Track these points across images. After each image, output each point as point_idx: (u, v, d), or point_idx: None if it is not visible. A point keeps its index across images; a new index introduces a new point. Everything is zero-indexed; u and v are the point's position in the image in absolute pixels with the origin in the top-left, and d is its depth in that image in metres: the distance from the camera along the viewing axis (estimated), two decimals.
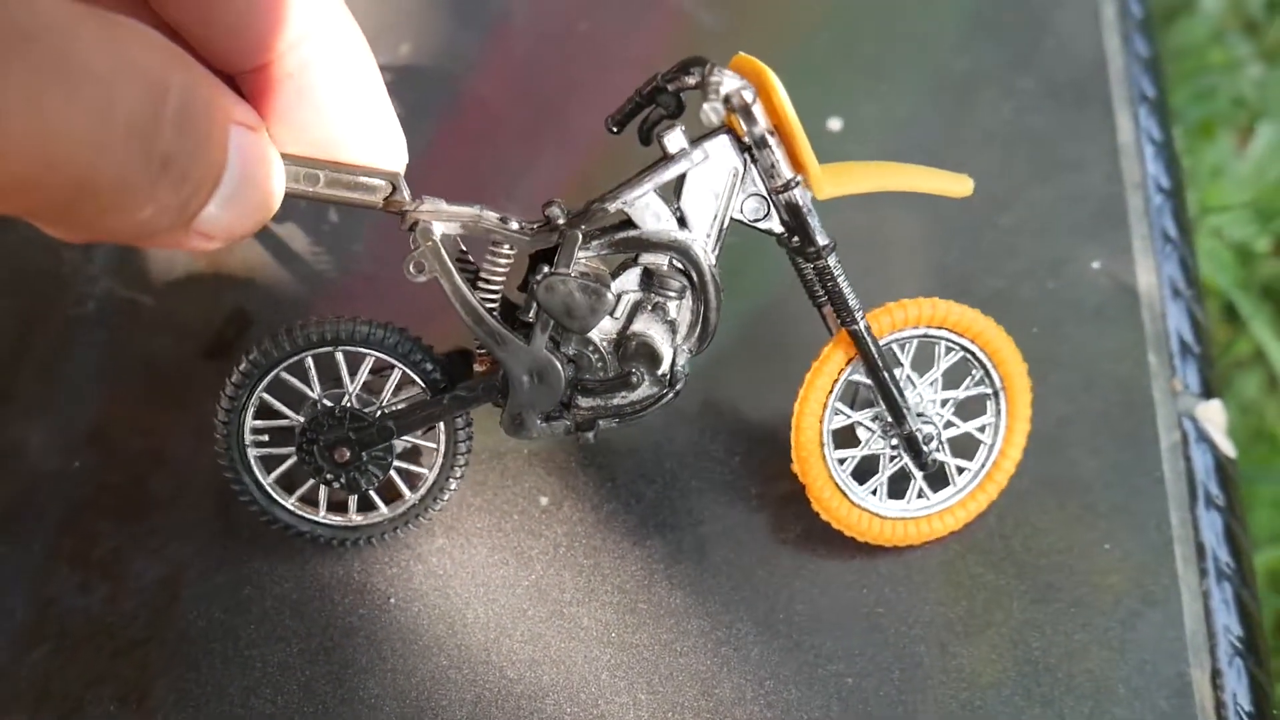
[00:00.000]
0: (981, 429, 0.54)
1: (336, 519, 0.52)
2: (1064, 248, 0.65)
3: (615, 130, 0.50)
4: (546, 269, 0.46)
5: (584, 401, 0.49)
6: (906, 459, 0.53)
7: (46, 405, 0.59)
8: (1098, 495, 0.56)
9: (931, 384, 0.53)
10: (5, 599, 0.53)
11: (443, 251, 0.46)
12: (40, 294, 0.63)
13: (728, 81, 0.45)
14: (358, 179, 0.42)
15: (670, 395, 0.49)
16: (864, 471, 0.53)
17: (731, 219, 0.48)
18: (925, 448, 0.52)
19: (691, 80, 0.46)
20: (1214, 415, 0.60)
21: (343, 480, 0.50)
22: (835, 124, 0.69)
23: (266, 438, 0.51)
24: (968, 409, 0.54)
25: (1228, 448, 0.60)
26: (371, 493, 0.52)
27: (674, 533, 0.55)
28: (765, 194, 0.48)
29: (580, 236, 0.46)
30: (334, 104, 0.40)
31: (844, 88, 0.71)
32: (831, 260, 0.48)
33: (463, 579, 0.54)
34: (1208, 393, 0.61)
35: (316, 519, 0.52)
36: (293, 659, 0.51)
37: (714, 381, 0.59)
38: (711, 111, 0.45)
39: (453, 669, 0.51)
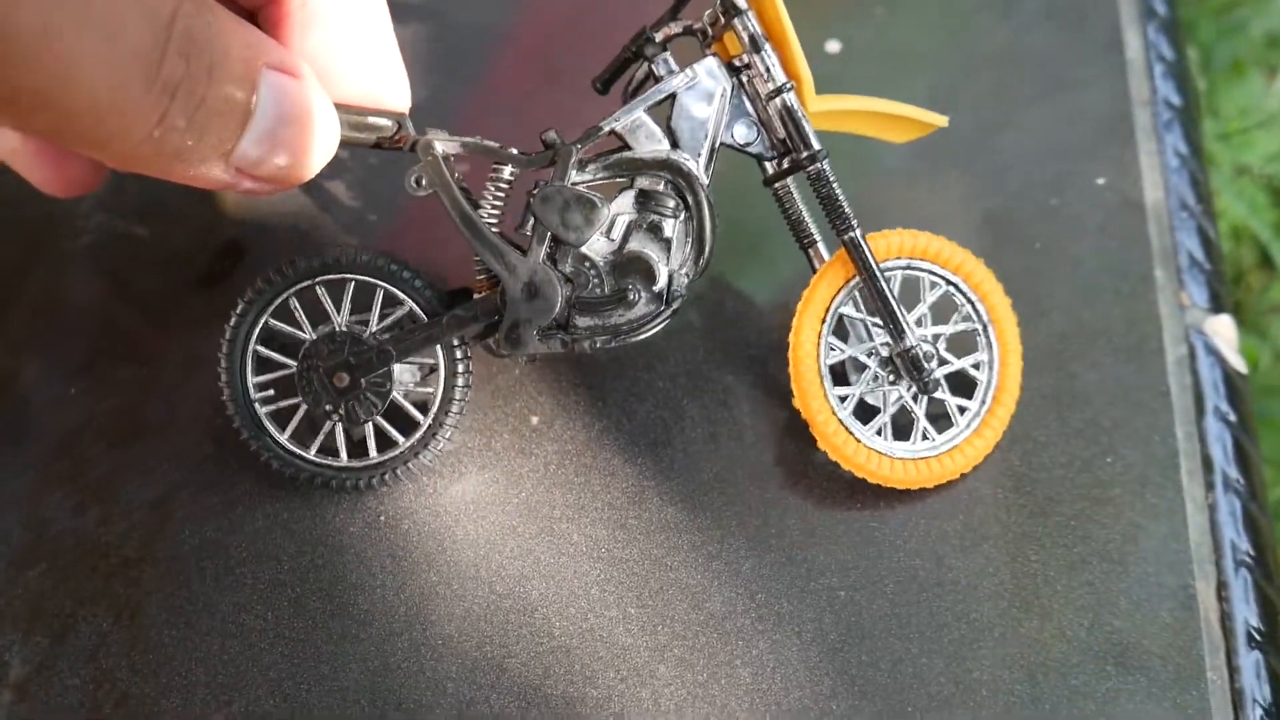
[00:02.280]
0: (976, 365, 0.53)
1: (336, 461, 0.52)
2: (1067, 165, 0.63)
3: (601, 89, 0.51)
4: (543, 183, 0.47)
5: (581, 320, 0.49)
6: (908, 389, 0.52)
7: (42, 335, 0.59)
8: (1100, 409, 0.55)
9: (919, 319, 0.52)
10: (1, 521, 0.53)
11: (443, 165, 0.47)
12: (36, 229, 0.63)
13: None
14: (367, 120, 0.43)
15: (667, 314, 0.49)
16: (862, 413, 0.52)
17: (723, 143, 0.48)
18: (927, 364, 0.51)
19: (679, 27, 0.48)
20: (1224, 330, 0.59)
21: (342, 411, 0.50)
22: (833, 46, 0.67)
23: (272, 391, 0.52)
24: (958, 345, 0.53)
25: (1237, 362, 0.58)
26: (372, 431, 0.51)
27: (665, 450, 0.54)
28: (754, 113, 0.48)
29: (574, 154, 0.47)
30: (341, 36, 0.41)
31: (842, 10, 0.69)
32: (826, 164, 0.49)
33: (452, 497, 0.53)
34: (1217, 308, 0.60)
35: (320, 460, 0.52)
36: (283, 575, 0.51)
37: (708, 306, 0.58)
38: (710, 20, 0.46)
39: (441, 584, 0.51)
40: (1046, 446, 0.54)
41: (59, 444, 0.56)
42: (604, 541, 0.52)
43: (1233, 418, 0.56)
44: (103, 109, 0.30)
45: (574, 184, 0.47)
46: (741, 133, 0.49)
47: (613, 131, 0.48)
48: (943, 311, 0.53)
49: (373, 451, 0.51)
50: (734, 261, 0.58)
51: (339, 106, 0.41)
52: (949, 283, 0.52)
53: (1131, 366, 0.56)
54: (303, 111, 0.36)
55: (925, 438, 0.52)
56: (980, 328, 0.53)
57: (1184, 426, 0.55)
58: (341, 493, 0.53)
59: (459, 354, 0.50)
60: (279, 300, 0.50)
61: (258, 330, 0.51)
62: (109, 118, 0.30)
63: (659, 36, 0.48)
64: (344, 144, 0.42)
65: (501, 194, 0.49)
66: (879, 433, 0.52)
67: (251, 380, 0.51)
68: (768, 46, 0.47)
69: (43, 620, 0.51)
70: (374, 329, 0.50)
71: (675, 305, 0.49)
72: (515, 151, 0.48)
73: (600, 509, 0.53)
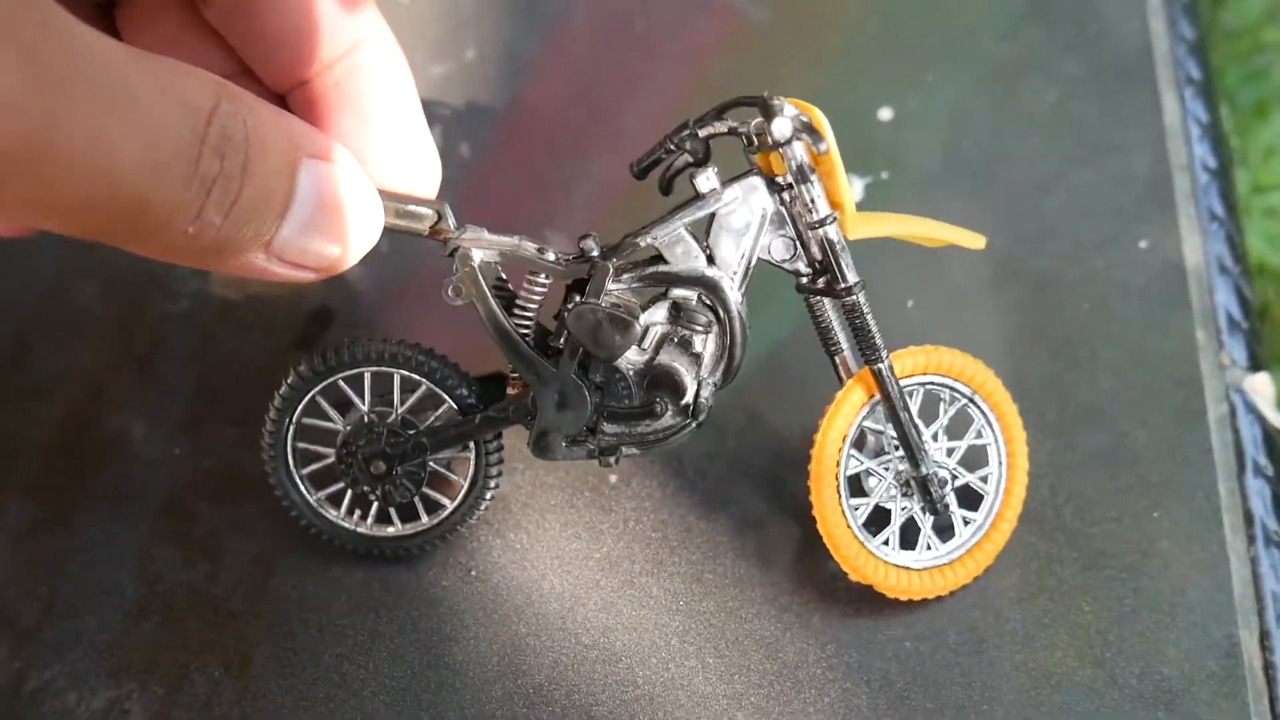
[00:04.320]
0: (984, 479, 0.55)
1: (370, 529, 0.56)
2: (1110, 229, 0.67)
3: (639, 176, 0.51)
4: (578, 298, 0.48)
5: (609, 428, 0.50)
6: (918, 503, 0.54)
7: (147, 397, 0.63)
8: (1147, 466, 0.58)
9: (935, 434, 0.54)
10: (116, 575, 0.57)
11: (479, 277, 0.48)
12: (136, 295, 0.67)
13: (789, 109, 0.46)
14: (408, 207, 0.44)
15: (693, 426, 0.50)
16: (872, 522, 0.54)
17: (759, 259, 0.49)
18: (940, 490, 0.53)
19: (724, 127, 0.48)
20: (1262, 388, 0.62)
21: (378, 493, 0.54)
22: (886, 114, 0.71)
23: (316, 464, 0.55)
24: (968, 460, 0.55)
25: (1276, 419, 0.61)
26: (412, 504, 0.55)
27: (738, 507, 0.58)
28: (794, 235, 0.49)
29: (612, 269, 0.48)
30: (374, 119, 0.41)
31: (893, 78, 0.73)
32: (861, 296, 0.50)
33: (538, 552, 0.57)
34: (1255, 366, 0.63)
35: (351, 528, 0.56)
36: (382, 627, 0.55)
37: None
38: (782, 126, 0.46)
39: (530, 636, 0.54)
40: (1097, 502, 0.57)
41: (167, 501, 0.60)
42: (682, 594, 0.55)
43: (1271, 472, 0.59)
44: (143, 209, 0.30)
45: (608, 293, 0.48)
46: (779, 250, 0.49)
47: (649, 241, 0.48)
48: (959, 426, 0.55)
49: (404, 525, 0.56)
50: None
51: (386, 194, 0.42)
52: (967, 398, 0.54)
53: (1176, 425, 0.60)
54: (342, 198, 0.37)
55: (929, 548, 0.54)
56: (993, 443, 0.55)
57: (1226, 482, 0.58)
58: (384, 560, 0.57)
59: (491, 445, 0.53)
60: (314, 393, 0.53)
61: (296, 421, 0.54)
62: (147, 216, 0.31)
63: (703, 133, 0.48)
64: (386, 231, 0.43)
65: (537, 299, 0.50)
66: (886, 542, 0.54)
67: (296, 472, 0.55)
68: (813, 177, 0.47)
69: (159, 670, 0.55)
70: (400, 413, 0.52)
71: (701, 418, 0.50)
72: (553, 258, 0.49)
73: (678, 563, 0.56)
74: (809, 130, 0.46)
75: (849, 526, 0.52)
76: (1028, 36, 0.76)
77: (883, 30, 0.77)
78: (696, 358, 0.49)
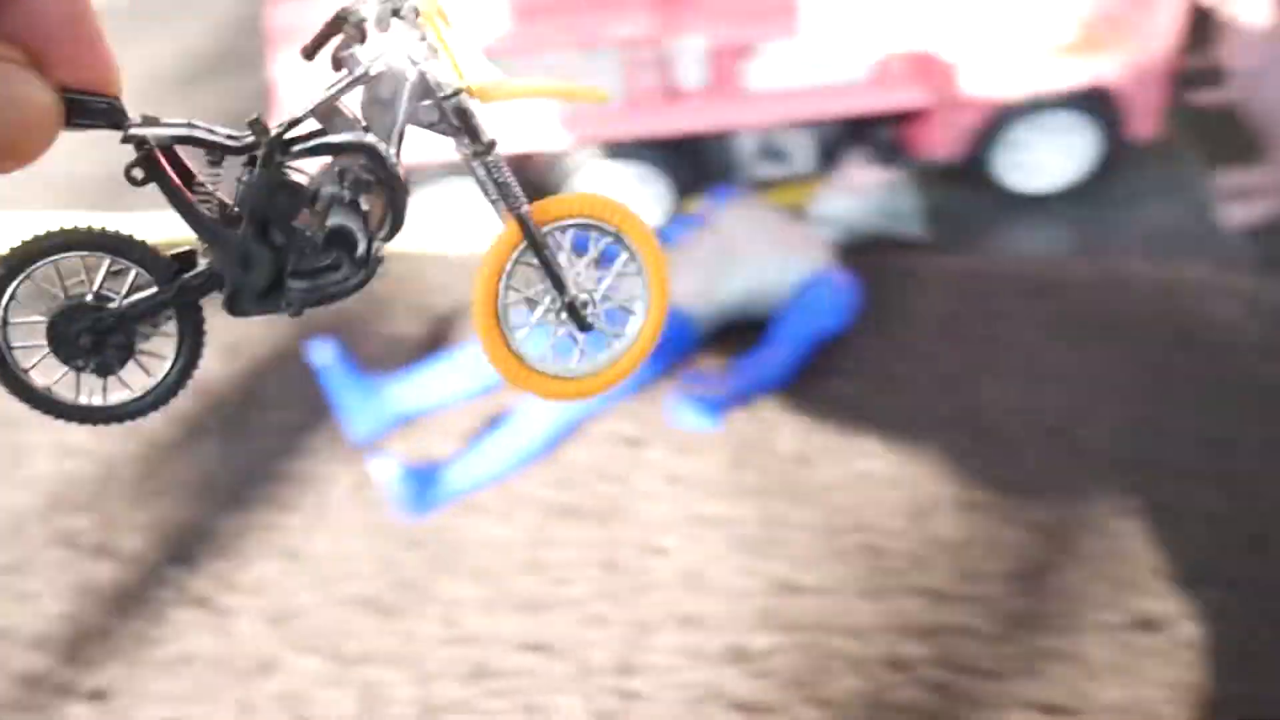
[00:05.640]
0: (630, 300, 0.62)
1: (87, 401, 0.56)
2: None
3: (308, 58, 0.57)
4: (251, 169, 0.54)
5: (295, 284, 0.56)
6: (570, 324, 0.61)
7: None
8: None
9: (587, 265, 0.60)
10: None
11: (158, 157, 0.52)
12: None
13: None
14: (85, 102, 0.47)
15: (367, 277, 0.56)
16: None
17: (409, 123, 0.55)
18: (583, 312, 0.60)
19: (369, 13, 0.54)
20: None
21: (91, 365, 0.55)
22: None
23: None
24: (620, 289, 0.62)
25: None
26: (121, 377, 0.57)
27: None
28: (437, 105, 0.55)
29: (280, 141, 0.54)
30: (45, 18, 0.43)
31: None
32: (494, 155, 0.56)
33: None
34: None
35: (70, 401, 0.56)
36: None
37: None
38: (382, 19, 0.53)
39: None
40: None
41: None
42: None
43: None
44: None
45: (278, 164, 0.54)
46: (425, 116, 0.56)
47: (312, 114, 0.54)
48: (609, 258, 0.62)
49: (110, 397, 0.57)
50: None
51: (58, 89, 0.44)
52: (613, 235, 0.60)
53: None
54: (17, 93, 0.39)
55: (583, 357, 0.61)
56: (637, 271, 0.61)
57: None
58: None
59: (192, 313, 0.56)
60: (17, 281, 0.54)
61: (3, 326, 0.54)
62: None
63: (352, 19, 0.54)
64: (66, 127, 0.46)
65: (216, 175, 0.54)
66: (542, 357, 0.60)
67: (17, 369, 0.54)
68: (441, 53, 0.54)
69: None
70: (95, 291, 0.54)
71: (375, 268, 0.56)
72: (224, 137, 0.54)
73: None
74: (424, 12, 0.54)
75: (507, 347, 0.60)
76: None
77: None
78: (364, 215, 0.55)
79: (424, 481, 1.29)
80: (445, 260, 1.79)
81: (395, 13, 0.54)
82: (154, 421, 1.45)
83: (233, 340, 1.55)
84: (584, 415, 1.41)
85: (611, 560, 1.32)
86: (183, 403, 1.42)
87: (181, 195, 0.54)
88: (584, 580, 1.30)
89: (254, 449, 1.44)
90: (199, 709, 1.20)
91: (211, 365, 1.50)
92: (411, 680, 1.22)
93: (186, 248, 0.57)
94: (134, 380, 0.58)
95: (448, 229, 1.80)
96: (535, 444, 1.38)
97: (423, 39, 0.54)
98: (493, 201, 0.58)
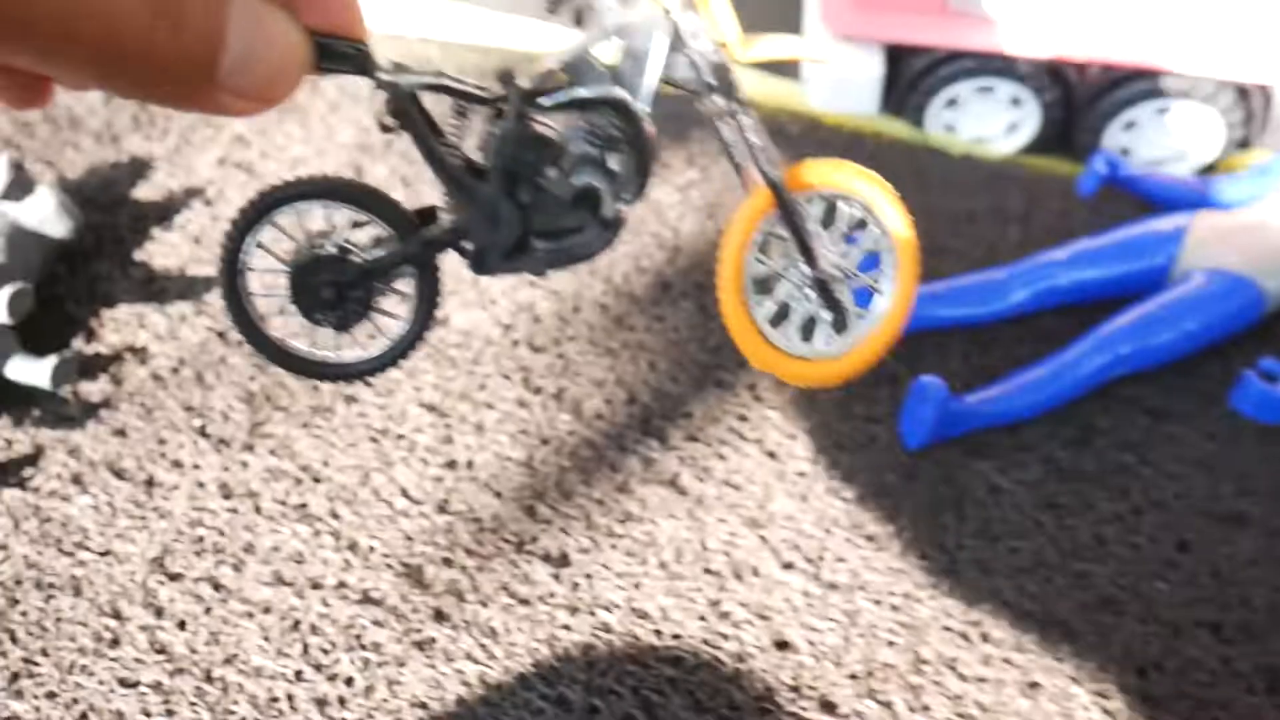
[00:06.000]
0: (876, 280, 0.60)
1: (329, 357, 0.59)
2: None
3: (551, 10, 0.55)
4: (500, 122, 0.53)
5: (540, 244, 0.55)
6: (818, 302, 0.60)
7: None
8: None
9: (834, 239, 0.60)
10: None
11: (408, 104, 0.51)
12: None
13: None
14: (335, 46, 0.45)
15: (613, 239, 0.56)
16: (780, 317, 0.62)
17: (662, 79, 0.54)
18: (833, 288, 0.59)
19: None
20: None
21: (331, 319, 0.56)
22: None
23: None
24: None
25: None
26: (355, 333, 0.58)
27: None
28: (690, 58, 0.54)
29: (529, 93, 0.53)
30: None
31: None
32: (748, 116, 0.56)
33: None
34: None
35: (313, 358, 0.59)
36: None
37: None
38: None
39: None
40: None
41: None
42: None
43: None
44: (111, 31, 0.33)
45: (527, 120, 0.53)
46: (680, 71, 0.55)
47: (561, 67, 0.53)
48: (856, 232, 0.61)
49: (343, 354, 0.58)
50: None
51: (307, 31, 0.42)
52: (864, 208, 0.59)
53: None
54: (270, 33, 0.39)
55: (828, 340, 0.61)
56: (887, 249, 0.59)
57: None
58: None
59: (432, 269, 0.57)
60: (262, 222, 0.55)
61: (242, 271, 0.56)
62: (114, 39, 0.33)
63: None
64: (315, 70, 0.45)
65: (461, 129, 0.54)
66: (787, 335, 0.61)
67: (254, 317, 0.57)
68: (697, 11, 0.53)
69: None
70: (339, 242, 0.55)
71: (619, 229, 0.55)
72: (473, 88, 0.53)
73: None
74: None
75: (752, 323, 0.60)
76: None
77: None
78: (612, 174, 0.54)
79: (937, 406, 1.12)
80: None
81: None
82: (618, 261, 1.31)
83: (710, 201, 1.39)
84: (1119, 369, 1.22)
85: (1108, 536, 1.13)
86: (655, 254, 1.27)
87: (433, 145, 0.52)
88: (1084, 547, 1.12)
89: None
90: (669, 602, 1.07)
91: (686, 224, 1.35)
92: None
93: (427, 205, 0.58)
94: (362, 336, 0.58)
95: None
96: (1064, 389, 1.18)
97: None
98: (738, 165, 0.57)
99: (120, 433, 1.20)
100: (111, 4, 0.33)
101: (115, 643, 1.05)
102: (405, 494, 1.14)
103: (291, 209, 0.55)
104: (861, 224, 0.60)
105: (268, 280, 0.58)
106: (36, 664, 1.03)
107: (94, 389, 1.23)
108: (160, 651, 1.05)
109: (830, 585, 1.08)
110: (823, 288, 0.59)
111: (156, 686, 1.02)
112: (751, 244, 0.58)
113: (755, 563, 1.09)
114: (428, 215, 0.56)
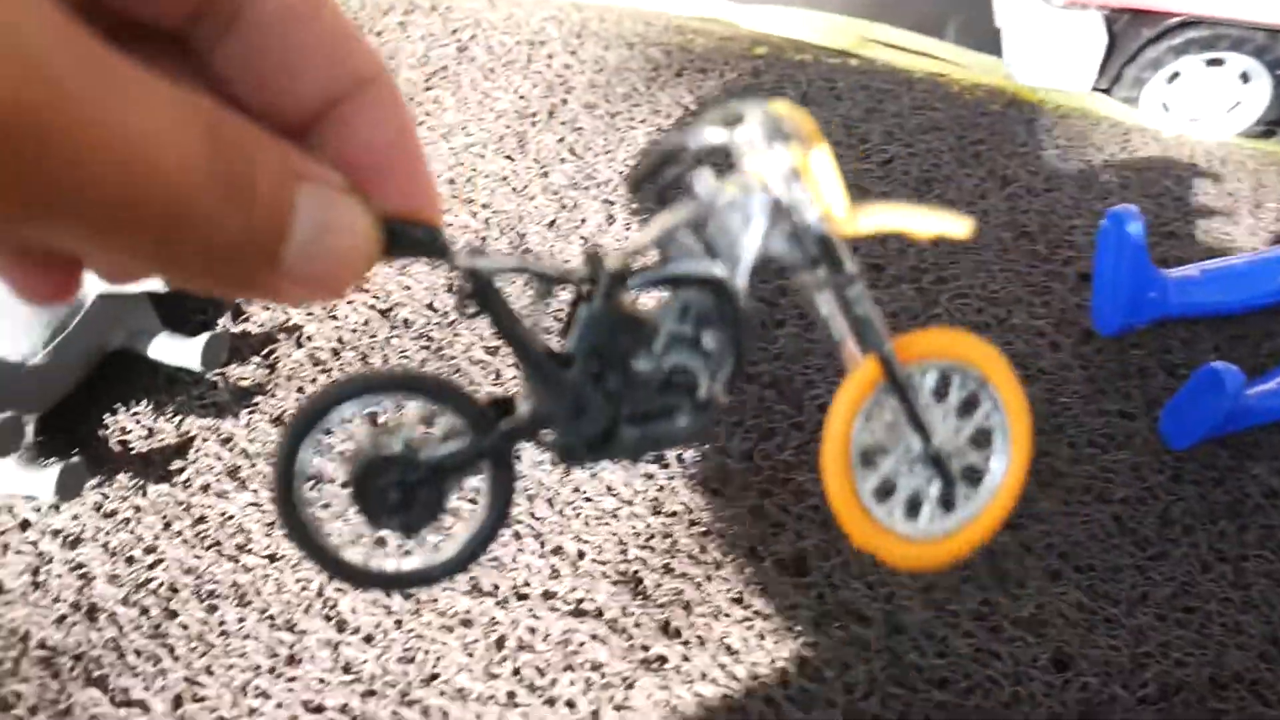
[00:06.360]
0: (987, 459, 0.57)
1: (391, 568, 0.51)
2: None
3: (634, 189, 0.55)
4: (586, 305, 0.49)
5: (629, 431, 0.51)
6: (924, 477, 0.56)
7: None
8: None
9: (946, 413, 0.56)
10: None
11: (489, 289, 0.47)
12: None
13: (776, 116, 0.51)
14: (406, 231, 0.40)
15: (708, 423, 0.52)
16: (882, 493, 0.56)
17: (761, 256, 0.51)
18: (946, 465, 0.56)
19: (715, 138, 0.51)
20: None
21: (396, 524, 0.50)
22: None
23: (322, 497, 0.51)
24: (977, 440, 0.57)
25: None
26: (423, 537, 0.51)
27: None
28: (791, 232, 0.51)
29: (617, 273, 0.49)
30: (372, 145, 0.38)
31: None
32: (858, 288, 0.52)
33: None
34: None
35: (378, 570, 0.51)
36: None
37: None
38: (766, 132, 0.50)
39: None
40: None
41: None
42: None
43: None
44: (177, 207, 0.28)
45: (617, 301, 0.49)
46: (777, 249, 0.51)
47: (653, 245, 0.50)
48: (968, 406, 0.57)
49: (404, 562, 0.51)
50: None
51: (378, 217, 0.38)
52: (977, 381, 0.55)
53: None
54: (340, 220, 0.34)
55: (933, 519, 0.56)
56: (999, 425, 0.56)
57: None
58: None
59: (507, 464, 0.50)
60: (326, 418, 0.49)
61: (299, 475, 0.49)
62: (179, 219, 0.28)
63: (694, 145, 0.51)
64: (385, 256, 0.39)
65: (546, 309, 0.49)
66: (891, 513, 0.56)
67: (311, 526, 0.49)
68: (805, 178, 0.50)
69: None
70: (406, 439, 0.49)
71: (715, 412, 0.51)
72: (557, 271, 0.49)
73: None
74: (794, 136, 0.50)
75: (857, 499, 0.55)
76: None
77: None
78: (707, 356, 0.51)
79: (1233, 399, 0.99)
80: (1143, 132, 1.45)
81: (773, 137, 0.50)
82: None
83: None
84: None
85: None
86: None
87: (515, 329, 0.48)
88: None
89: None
90: (928, 615, 0.93)
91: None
92: None
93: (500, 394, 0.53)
94: (430, 538, 0.52)
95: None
96: None
97: (784, 166, 0.50)
98: (839, 339, 0.54)
99: (277, 421, 1.06)
100: (179, 178, 0.28)
101: (293, 660, 0.91)
102: (612, 491, 1.00)
103: (356, 402, 0.49)
104: (974, 398, 0.57)
105: (327, 489, 0.51)
106: (201, 684, 0.89)
107: (245, 372, 1.09)
108: (346, 670, 0.90)
109: (1106, 597, 0.95)
110: (937, 462, 0.56)
111: (344, 709, 0.88)
112: (860, 414, 0.55)
113: (1020, 573, 0.96)
114: (504, 405, 0.51)
